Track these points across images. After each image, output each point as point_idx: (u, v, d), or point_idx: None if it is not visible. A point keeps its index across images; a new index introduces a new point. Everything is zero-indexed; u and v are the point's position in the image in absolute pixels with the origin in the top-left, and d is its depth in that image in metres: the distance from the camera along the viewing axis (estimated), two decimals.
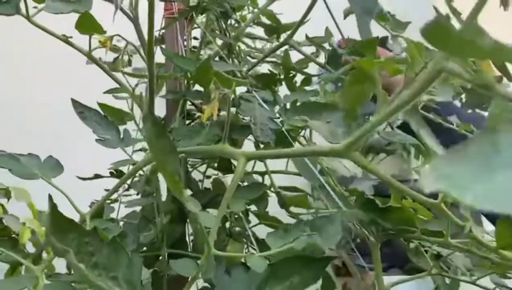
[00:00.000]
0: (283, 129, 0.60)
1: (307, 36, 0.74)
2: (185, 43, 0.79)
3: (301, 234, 0.38)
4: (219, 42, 0.75)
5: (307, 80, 0.80)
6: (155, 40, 0.81)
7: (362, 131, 0.29)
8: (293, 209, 0.62)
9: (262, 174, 0.64)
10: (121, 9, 0.42)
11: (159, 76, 0.73)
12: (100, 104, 0.62)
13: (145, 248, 0.58)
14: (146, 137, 0.33)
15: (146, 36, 0.43)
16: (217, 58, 0.75)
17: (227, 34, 0.73)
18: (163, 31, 0.78)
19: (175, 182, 0.30)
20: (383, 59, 0.40)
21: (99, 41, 0.51)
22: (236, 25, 0.77)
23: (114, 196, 0.69)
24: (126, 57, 0.53)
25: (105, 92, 0.60)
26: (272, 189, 0.61)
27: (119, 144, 0.61)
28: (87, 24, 0.46)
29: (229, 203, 0.35)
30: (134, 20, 0.41)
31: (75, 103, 0.64)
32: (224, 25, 0.72)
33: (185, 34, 0.78)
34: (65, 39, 0.48)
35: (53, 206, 0.28)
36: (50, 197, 0.29)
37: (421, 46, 0.39)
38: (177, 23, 0.75)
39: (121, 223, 0.63)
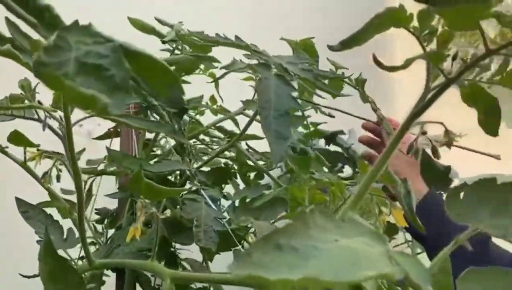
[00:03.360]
0: (229, 229, 0.60)
1: (251, 148, 0.77)
2: (140, 135, 0.80)
3: None
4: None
5: (261, 173, 0.81)
6: (111, 133, 0.82)
7: None
8: None
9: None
10: (50, 128, 0.44)
11: (111, 171, 0.73)
12: (43, 203, 0.61)
13: None
14: (41, 274, 0.32)
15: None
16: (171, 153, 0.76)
17: (182, 131, 0.74)
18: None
19: None
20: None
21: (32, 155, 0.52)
22: (192, 120, 0.79)
23: None
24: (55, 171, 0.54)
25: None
26: None
27: (61, 246, 0.60)
28: (17, 139, 0.47)
29: None
30: (62, 138, 0.42)
31: (20, 202, 0.63)
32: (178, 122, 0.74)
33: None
34: (1, 149, 0.48)
35: None
36: None
37: (341, 185, 0.41)
38: None
39: None
